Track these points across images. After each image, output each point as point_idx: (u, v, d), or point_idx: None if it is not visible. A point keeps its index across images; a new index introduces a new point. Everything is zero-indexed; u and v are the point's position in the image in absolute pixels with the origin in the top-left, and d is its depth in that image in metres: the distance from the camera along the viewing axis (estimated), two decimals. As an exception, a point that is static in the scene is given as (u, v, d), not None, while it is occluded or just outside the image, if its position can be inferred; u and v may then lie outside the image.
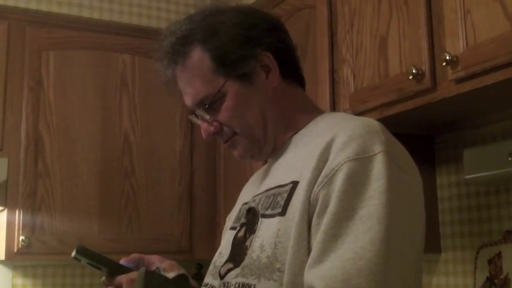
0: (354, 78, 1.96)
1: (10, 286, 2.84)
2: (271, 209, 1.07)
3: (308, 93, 1.26)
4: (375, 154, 0.98)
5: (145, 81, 2.88)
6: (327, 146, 1.02)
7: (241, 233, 1.14)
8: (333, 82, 2.07)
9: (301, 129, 1.18)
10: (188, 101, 1.18)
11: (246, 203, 1.21)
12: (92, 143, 2.75)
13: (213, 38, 1.14)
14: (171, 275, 1.10)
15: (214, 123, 1.17)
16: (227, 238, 1.20)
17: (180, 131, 2.93)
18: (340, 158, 0.99)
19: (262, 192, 1.15)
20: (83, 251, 1.10)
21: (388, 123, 1.12)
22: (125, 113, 2.83)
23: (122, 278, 1.09)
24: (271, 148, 1.19)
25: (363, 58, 1.92)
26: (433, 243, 2.10)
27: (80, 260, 1.11)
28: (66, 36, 2.77)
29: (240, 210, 1.23)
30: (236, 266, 1.09)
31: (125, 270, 1.11)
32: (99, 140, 2.77)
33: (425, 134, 2.13)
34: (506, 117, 1.88)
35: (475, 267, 1.98)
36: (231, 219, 1.29)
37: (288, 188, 1.06)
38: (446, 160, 2.13)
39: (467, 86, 1.56)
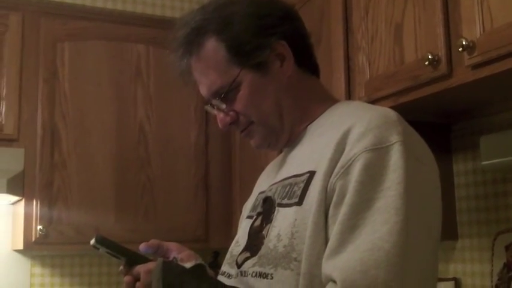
0: (369, 66, 1.94)
1: (29, 275, 2.88)
2: (288, 199, 1.07)
3: (323, 81, 1.25)
4: (392, 144, 0.97)
5: (160, 71, 2.88)
6: (343, 137, 1.01)
7: (257, 222, 1.15)
8: (348, 70, 2.06)
9: (316, 118, 1.17)
10: (204, 91, 1.18)
11: (262, 192, 1.21)
12: (108, 134, 2.76)
13: (227, 28, 1.13)
14: (188, 264, 1.10)
15: (231, 113, 1.17)
16: (244, 227, 1.21)
17: (195, 120, 2.94)
18: (357, 149, 0.98)
19: (278, 182, 1.15)
20: (101, 240, 1.11)
21: (404, 110, 1.11)
22: (140, 103, 2.84)
23: (140, 268, 1.10)
24: (288, 137, 1.18)
25: (378, 45, 1.90)
26: (450, 231, 2.09)
27: (98, 249, 1.12)
28: (80, 27, 2.78)
29: (257, 199, 1.23)
30: (253, 255, 1.09)
31: (143, 259, 1.12)
32: (115, 130, 2.78)
33: (441, 122, 2.11)
34: (524, 103, 1.86)
35: (493, 254, 1.97)
36: (247, 208, 1.29)
37: (304, 177, 1.06)
38: (463, 147, 2.11)
39: (484, 72, 1.54)
